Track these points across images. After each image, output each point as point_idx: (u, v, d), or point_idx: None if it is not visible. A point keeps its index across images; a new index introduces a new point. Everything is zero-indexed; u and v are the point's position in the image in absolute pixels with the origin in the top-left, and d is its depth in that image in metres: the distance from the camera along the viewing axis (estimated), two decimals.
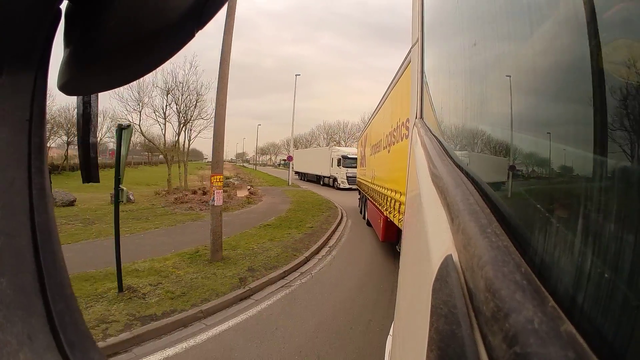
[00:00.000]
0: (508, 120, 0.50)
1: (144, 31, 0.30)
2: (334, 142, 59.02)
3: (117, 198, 4.76)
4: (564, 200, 0.33)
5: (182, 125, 19.66)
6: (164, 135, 20.48)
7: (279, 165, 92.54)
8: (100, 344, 3.33)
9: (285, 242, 8.32)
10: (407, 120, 4.74)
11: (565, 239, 0.28)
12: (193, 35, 0.35)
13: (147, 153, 61.01)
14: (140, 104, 19.28)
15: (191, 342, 3.80)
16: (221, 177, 6.92)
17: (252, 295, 5.16)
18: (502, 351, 0.22)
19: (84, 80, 0.38)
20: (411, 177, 1.06)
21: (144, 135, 20.51)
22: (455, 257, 0.37)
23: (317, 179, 30.02)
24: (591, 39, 0.27)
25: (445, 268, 0.37)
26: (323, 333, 4.00)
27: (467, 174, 0.56)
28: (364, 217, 11.91)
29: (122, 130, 4.85)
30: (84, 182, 0.54)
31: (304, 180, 34.22)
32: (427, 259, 0.49)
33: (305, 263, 6.94)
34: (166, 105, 19.41)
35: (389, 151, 6.92)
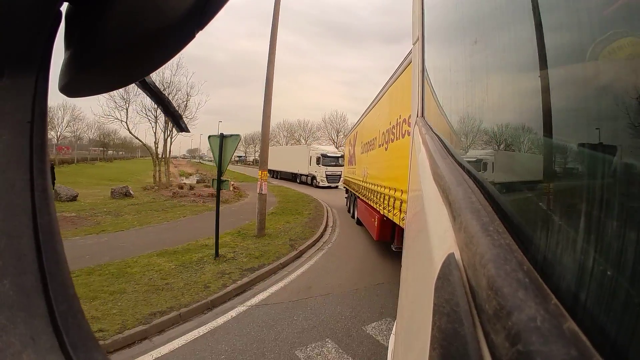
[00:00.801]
0: (510, 118, 0.49)
1: (144, 32, 0.30)
2: (294, 141, 60.00)
3: (219, 186, 6.77)
4: (565, 198, 0.33)
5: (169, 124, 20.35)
6: (155, 133, 21.53)
7: (237, 161, 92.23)
8: (232, 286, 5.21)
9: (299, 223, 10.60)
10: (410, 116, 4.72)
11: (567, 237, 0.28)
12: (193, 36, 0.35)
13: (101, 149, 61.29)
14: (127, 102, 20.10)
15: (287, 279, 5.87)
16: (266, 172, 9.27)
17: (302, 255, 7.45)
18: (504, 349, 0.22)
19: (85, 81, 0.38)
20: (413, 175, 1.06)
21: (131, 133, 21.29)
22: (457, 256, 0.37)
23: (292, 177, 30.07)
24: (594, 36, 0.27)
25: (448, 266, 0.37)
26: (357, 270, 6.55)
27: (468, 172, 0.56)
28: (352, 216, 11.87)
29: (224, 137, 6.55)
30: (180, 131, 0.62)
31: (276, 178, 33.90)
32: (429, 257, 0.49)
33: (322, 236, 9.29)
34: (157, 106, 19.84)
35: (386, 149, 6.84)
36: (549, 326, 0.21)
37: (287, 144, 56.37)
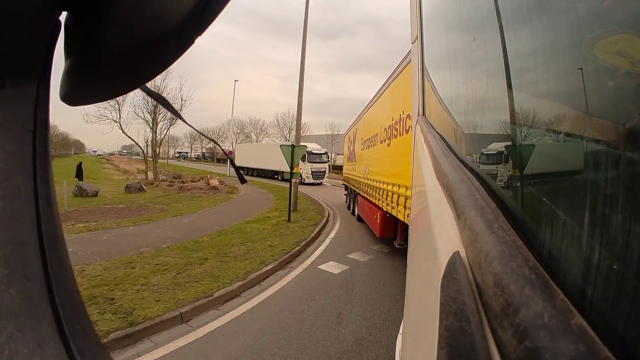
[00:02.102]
0: (512, 115, 0.49)
1: (143, 39, 0.31)
2: (245, 137, 63.04)
3: (291, 176, 10.75)
4: (570, 192, 0.33)
5: (159, 123, 23.13)
6: (154, 133, 23.42)
7: (179, 157, 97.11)
8: (314, 232, 8.70)
9: (308, 204, 13.84)
10: None
11: (572, 232, 0.28)
12: (192, 42, 0.35)
13: None
14: (119, 103, 21.62)
15: (335, 230, 9.55)
16: (298, 168, 12.00)
17: (329, 220, 10.99)
18: (512, 346, 0.22)
19: (86, 90, 0.38)
20: (416, 174, 1.06)
21: (124, 133, 22.78)
22: (463, 254, 0.37)
23: (272, 175, 29.83)
24: (592, 32, 0.27)
25: (453, 265, 0.37)
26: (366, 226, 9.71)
27: (471, 170, 0.56)
28: (353, 213, 12.12)
29: (294, 147, 10.44)
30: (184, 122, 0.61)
31: (251, 175, 33.35)
32: (435, 256, 0.49)
33: (330, 212, 12.69)
34: (155, 107, 22.27)
35: (388, 145, 6.79)
36: (557, 322, 0.21)
37: (237, 141, 58.96)
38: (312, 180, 25.15)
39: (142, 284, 4.64)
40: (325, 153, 27.20)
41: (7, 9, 0.27)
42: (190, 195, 15.95)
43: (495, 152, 0.56)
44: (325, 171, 26.70)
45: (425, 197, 0.72)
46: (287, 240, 7.65)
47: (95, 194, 14.06)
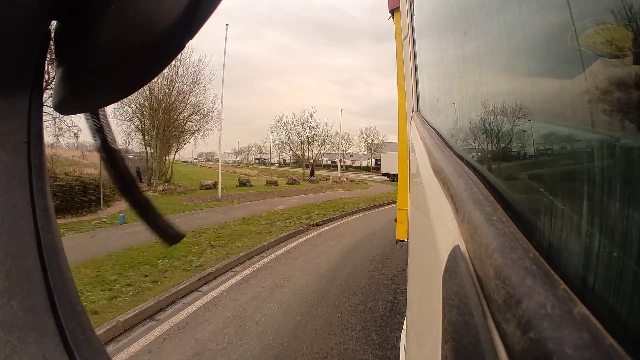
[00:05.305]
0: (507, 106, 0.49)
1: (134, 46, 0.30)
2: (330, 146, 67.34)
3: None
4: (567, 182, 0.33)
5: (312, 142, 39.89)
6: (303, 149, 40.04)
7: (259, 163, 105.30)
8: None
9: None
10: None
11: (571, 221, 0.28)
12: (184, 46, 0.35)
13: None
14: (286, 133, 38.79)
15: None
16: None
17: None
18: (516, 338, 0.22)
19: (79, 98, 0.38)
20: (412, 170, 1.06)
21: (291, 149, 41.86)
22: (463, 247, 0.37)
23: None
24: (586, 22, 0.27)
25: (454, 259, 0.37)
26: None
27: (468, 164, 0.56)
28: None
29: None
30: (121, 191, 0.48)
31: (395, 180, 37.78)
32: (435, 251, 0.49)
33: None
34: (313, 135, 37.72)
35: None
36: (560, 312, 0.21)
37: (323, 149, 69.85)
38: None
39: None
40: None
41: None
42: (346, 184, 26.42)
43: (490, 145, 0.56)
44: None
45: (423, 193, 0.72)
46: None
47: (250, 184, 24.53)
